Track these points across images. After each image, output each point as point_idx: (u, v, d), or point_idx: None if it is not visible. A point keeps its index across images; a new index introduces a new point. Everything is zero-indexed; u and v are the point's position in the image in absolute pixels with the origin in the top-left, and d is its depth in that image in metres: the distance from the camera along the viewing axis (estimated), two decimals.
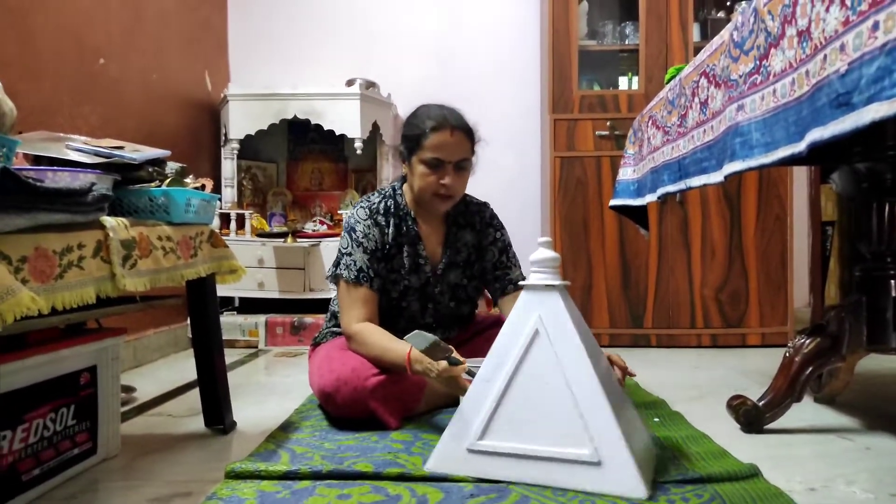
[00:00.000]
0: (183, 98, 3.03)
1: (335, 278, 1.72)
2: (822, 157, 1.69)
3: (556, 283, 1.24)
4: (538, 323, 1.22)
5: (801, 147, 0.99)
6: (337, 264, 1.72)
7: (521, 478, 1.19)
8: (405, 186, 1.81)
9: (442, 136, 1.65)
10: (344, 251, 1.71)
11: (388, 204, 1.77)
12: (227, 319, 2.94)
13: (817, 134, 0.92)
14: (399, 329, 1.67)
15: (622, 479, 1.13)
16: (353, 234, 1.70)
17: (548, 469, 1.18)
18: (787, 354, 1.59)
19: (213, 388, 1.61)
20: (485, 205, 1.91)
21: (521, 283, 1.30)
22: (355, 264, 1.67)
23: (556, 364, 1.19)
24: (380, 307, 1.73)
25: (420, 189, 1.71)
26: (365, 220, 1.72)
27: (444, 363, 1.41)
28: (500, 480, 1.20)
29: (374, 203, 1.76)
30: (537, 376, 1.20)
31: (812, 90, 0.95)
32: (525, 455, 1.19)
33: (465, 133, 1.69)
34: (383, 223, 1.74)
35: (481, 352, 1.74)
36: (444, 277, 1.80)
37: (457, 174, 1.69)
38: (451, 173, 1.67)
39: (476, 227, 1.85)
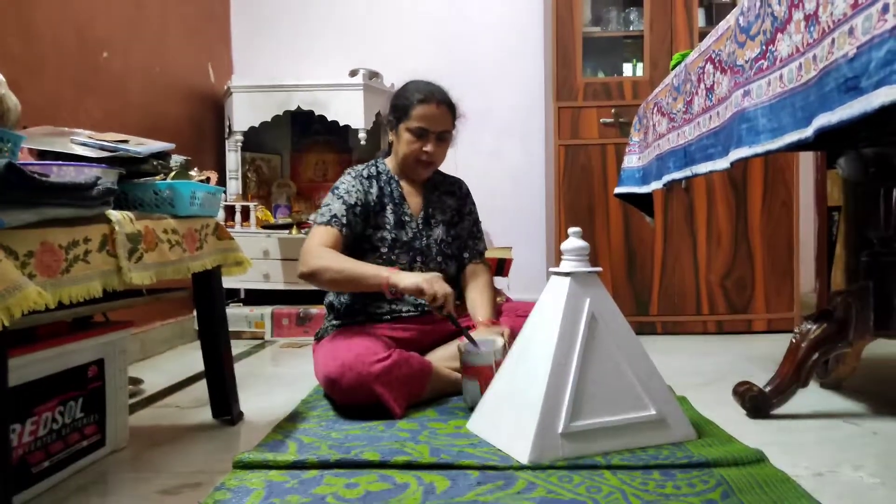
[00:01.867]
0: (186, 90, 3.02)
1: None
2: (828, 143, 1.68)
3: (596, 269, 1.37)
4: (591, 307, 1.34)
5: (808, 133, 0.98)
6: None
7: (611, 448, 1.29)
8: (388, 158, 1.97)
9: (428, 108, 1.81)
10: (324, 206, 1.81)
11: (372, 170, 1.91)
12: (233, 311, 2.95)
13: (825, 119, 0.92)
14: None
15: (680, 428, 1.36)
16: (336, 191, 1.82)
17: (627, 433, 1.31)
18: (794, 340, 1.59)
19: (220, 380, 1.62)
20: (460, 180, 2.08)
21: (565, 270, 1.37)
22: (330, 211, 1.78)
23: (613, 342, 1.34)
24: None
25: (404, 155, 1.85)
26: (350, 180, 1.84)
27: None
28: (595, 454, 1.27)
29: (358, 170, 1.90)
30: (601, 356, 1.33)
31: (819, 75, 0.94)
32: (608, 427, 1.30)
33: (449, 107, 1.87)
34: (367, 184, 1.86)
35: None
36: (430, 233, 1.91)
37: (438, 144, 1.85)
38: (433, 142, 1.83)
39: (456, 194, 2.02)
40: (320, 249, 1.70)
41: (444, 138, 1.86)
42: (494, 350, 1.57)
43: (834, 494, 1.09)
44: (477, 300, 1.87)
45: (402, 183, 1.92)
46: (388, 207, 1.86)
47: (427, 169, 1.88)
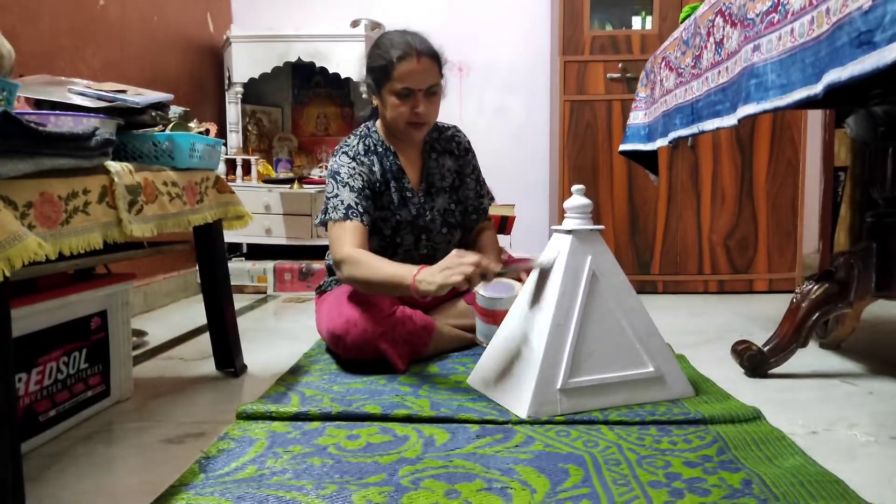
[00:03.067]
0: (185, 40, 2.97)
1: (325, 224, 1.70)
2: (838, 101, 1.65)
3: (598, 227, 1.36)
4: (593, 265, 1.33)
5: (817, 89, 0.96)
6: (325, 211, 1.70)
7: (609, 403, 1.31)
8: (377, 123, 1.82)
9: (409, 65, 1.63)
10: (330, 195, 1.68)
11: (367, 143, 1.77)
12: (236, 265, 2.96)
13: (835, 75, 0.90)
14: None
15: (678, 386, 1.37)
16: (338, 177, 1.68)
17: (625, 390, 1.33)
18: (794, 300, 1.59)
19: (223, 333, 1.63)
20: (456, 129, 1.93)
21: (567, 228, 1.35)
22: (343, 203, 1.64)
23: (613, 300, 1.35)
24: (373, 247, 1.72)
25: (393, 120, 1.70)
26: (349, 162, 1.70)
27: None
28: (593, 410, 1.29)
29: (353, 146, 1.75)
30: (601, 314, 1.33)
31: (832, 29, 0.92)
32: (606, 383, 1.31)
33: (432, 58, 1.67)
34: (368, 162, 1.73)
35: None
36: (433, 204, 1.81)
37: (428, 100, 1.68)
38: (422, 101, 1.67)
39: (455, 153, 1.88)
40: (352, 253, 1.55)
41: (433, 93, 1.69)
42: (513, 296, 1.51)
43: (828, 451, 1.11)
44: (486, 251, 1.87)
45: (398, 153, 1.78)
46: (391, 185, 1.75)
47: (421, 130, 1.72)
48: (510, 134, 3.45)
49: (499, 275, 1.40)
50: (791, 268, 2.80)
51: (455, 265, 1.34)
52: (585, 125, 2.82)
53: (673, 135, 1.71)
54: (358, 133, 1.81)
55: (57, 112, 1.17)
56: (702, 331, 2.10)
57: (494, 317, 1.56)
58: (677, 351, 1.78)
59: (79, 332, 1.31)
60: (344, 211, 1.63)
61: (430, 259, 1.83)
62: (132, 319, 1.55)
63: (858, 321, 1.74)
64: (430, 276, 1.36)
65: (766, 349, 1.57)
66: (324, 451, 1.11)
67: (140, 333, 2.02)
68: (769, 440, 1.14)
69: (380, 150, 1.77)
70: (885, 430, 1.21)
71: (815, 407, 1.35)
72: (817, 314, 1.55)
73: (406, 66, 1.63)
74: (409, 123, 1.69)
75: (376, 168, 1.74)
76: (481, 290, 1.61)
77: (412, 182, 1.80)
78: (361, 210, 1.64)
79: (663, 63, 1.85)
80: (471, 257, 1.34)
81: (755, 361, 1.57)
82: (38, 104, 1.26)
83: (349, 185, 1.66)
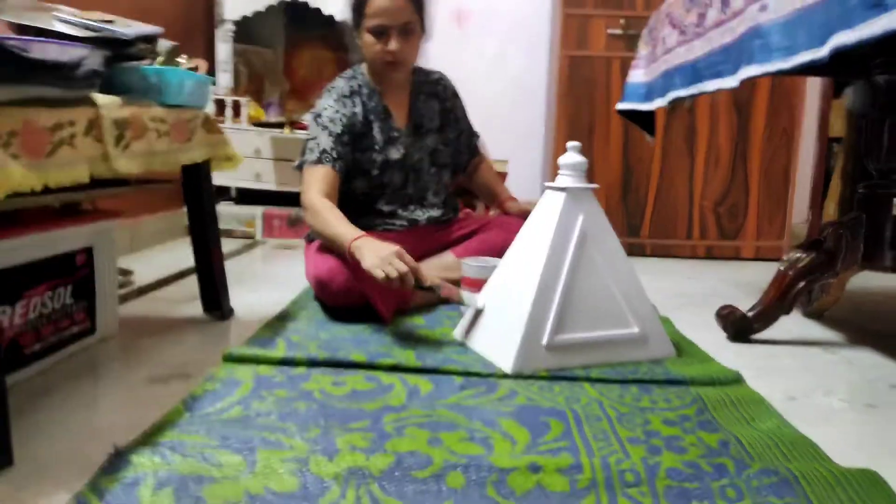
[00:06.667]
0: None
1: (300, 167, 1.74)
2: (839, 68, 1.63)
3: (592, 186, 1.36)
4: (584, 224, 1.33)
5: (822, 52, 0.95)
6: (303, 153, 1.73)
7: (592, 361, 1.32)
8: (364, 65, 1.84)
9: (382, 1, 1.65)
10: (309, 136, 1.72)
11: (353, 85, 1.79)
12: (225, 209, 2.93)
13: (843, 37, 0.88)
14: (382, 206, 1.80)
15: (660, 346, 1.39)
16: (319, 120, 1.72)
17: (609, 349, 1.34)
18: (781, 268, 1.60)
19: (210, 275, 1.62)
20: (442, 74, 1.95)
21: (560, 185, 1.35)
22: (318, 146, 1.68)
23: (602, 260, 1.35)
24: (360, 189, 1.78)
25: (370, 59, 1.74)
26: (332, 104, 1.73)
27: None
28: (576, 367, 1.30)
29: (339, 87, 1.77)
30: (589, 273, 1.33)
31: None
32: (590, 342, 1.32)
33: None
34: (351, 104, 1.75)
35: (476, 252, 1.78)
36: (421, 144, 1.84)
37: (403, 39, 1.69)
38: (396, 38, 1.67)
39: (440, 96, 1.91)
40: (315, 202, 1.61)
41: (408, 31, 1.68)
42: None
43: (804, 416, 1.13)
44: (489, 183, 2.02)
45: (385, 95, 1.80)
46: (374, 125, 1.77)
47: (397, 69, 1.73)
48: (508, 85, 3.39)
49: (424, 289, 1.43)
50: (779, 236, 2.82)
51: (387, 263, 1.36)
52: (584, 81, 2.78)
53: (672, 94, 1.69)
54: (345, 75, 1.83)
55: (41, 39, 1.13)
56: (688, 295, 2.12)
57: (481, 287, 1.54)
58: (663, 314, 1.79)
59: (64, 268, 1.30)
60: (318, 154, 1.67)
61: (421, 199, 1.86)
62: (118, 258, 1.53)
63: (843, 291, 1.76)
64: (367, 250, 1.42)
65: (750, 315, 1.59)
66: (309, 395, 1.12)
67: (126, 272, 2.01)
68: (748, 403, 1.16)
69: (364, 91, 1.79)
70: (860, 398, 1.24)
71: (795, 373, 1.37)
72: (803, 283, 1.56)
73: (379, 2, 1.65)
74: (385, 63, 1.71)
75: (358, 109, 1.75)
76: (470, 260, 1.64)
77: (399, 122, 1.81)
78: (335, 156, 1.68)
79: (667, 20, 1.81)
80: (403, 265, 1.36)
81: (739, 326, 1.59)
82: (22, 30, 1.22)
83: (328, 129, 1.70)
